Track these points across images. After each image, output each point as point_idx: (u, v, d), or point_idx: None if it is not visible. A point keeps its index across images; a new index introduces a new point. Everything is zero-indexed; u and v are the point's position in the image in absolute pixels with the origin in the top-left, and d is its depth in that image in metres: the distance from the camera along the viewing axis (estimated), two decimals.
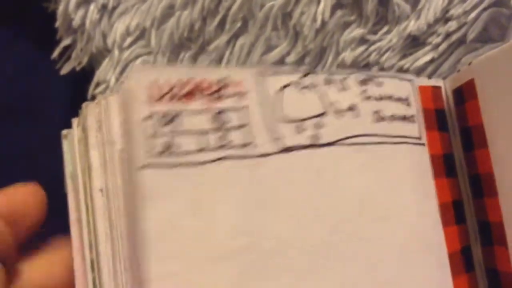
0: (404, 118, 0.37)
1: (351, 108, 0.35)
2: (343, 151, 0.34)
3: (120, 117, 0.31)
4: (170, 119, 0.29)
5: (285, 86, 0.33)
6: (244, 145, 0.31)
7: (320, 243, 0.33)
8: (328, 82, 0.35)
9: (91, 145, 0.31)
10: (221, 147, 0.30)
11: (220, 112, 0.31)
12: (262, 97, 0.32)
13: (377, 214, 0.35)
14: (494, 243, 0.37)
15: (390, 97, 0.37)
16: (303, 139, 0.33)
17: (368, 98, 0.36)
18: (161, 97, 0.29)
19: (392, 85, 0.37)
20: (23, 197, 0.36)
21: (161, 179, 0.29)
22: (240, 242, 0.30)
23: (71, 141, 0.33)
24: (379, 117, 0.36)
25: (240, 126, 0.31)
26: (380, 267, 0.34)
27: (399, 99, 0.37)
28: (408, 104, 0.38)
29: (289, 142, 0.33)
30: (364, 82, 0.36)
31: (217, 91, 0.31)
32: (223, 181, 0.30)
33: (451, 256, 0.37)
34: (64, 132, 0.33)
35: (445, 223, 0.37)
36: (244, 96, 0.32)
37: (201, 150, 0.30)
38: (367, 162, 0.35)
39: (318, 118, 0.34)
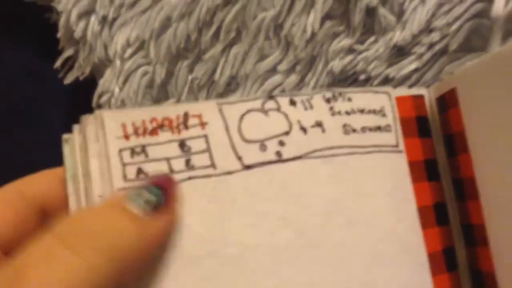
0: (378, 128, 0.39)
1: (317, 124, 0.38)
2: (309, 164, 0.37)
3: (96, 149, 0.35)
4: (139, 151, 0.34)
5: (246, 112, 0.37)
6: (207, 167, 0.35)
7: (285, 248, 0.35)
8: (292, 103, 0.38)
9: (91, 154, 0.34)
10: (187, 170, 0.35)
11: (183, 142, 0.35)
12: (222, 124, 0.36)
13: (345, 220, 0.37)
14: (477, 243, 0.38)
15: (361, 110, 0.39)
16: (267, 156, 0.37)
17: (336, 113, 0.38)
18: (129, 136, 0.34)
19: (363, 99, 0.40)
20: (53, 185, 0.37)
21: None
22: (204, 250, 0.34)
23: (72, 146, 0.35)
24: (349, 130, 0.38)
25: (202, 151, 0.35)
26: (348, 269, 0.36)
27: (373, 111, 0.40)
28: (383, 115, 0.40)
29: (251, 160, 0.36)
30: (330, 99, 0.39)
31: (179, 125, 0.35)
32: (189, 198, 0.34)
33: (432, 256, 0.39)
34: (65, 136, 0.36)
35: (425, 225, 0.39)
36: (204, 126, 0.36)
37: (168, 173, 0.35)
38: (335, 172, 0.37)
39: (283, 136, 0.37)
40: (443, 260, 0.39)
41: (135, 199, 0.31)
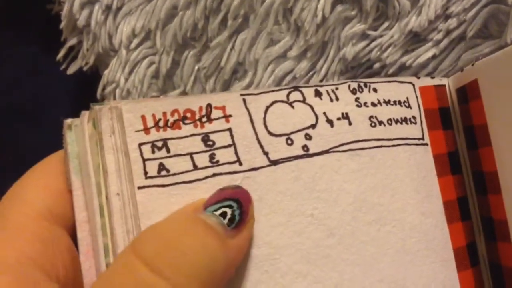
0: (404, 120, 0.38)
1: (343, 117, 0.36)
2: (337, 159, 0.36)
3: (112, 142, 0.32)
4: (161, 145, 0.32)
5: (271, 104, 0.35)
6: (232, 163, 0.33)
7: (315, 247, 0.34)
8: (318, 93, 0.36)
9: (107, 149, 0.32)
10: (210, 166, 0.33)
11: (206, 135, 0.33)
12: (247, 117, 0.34)
13: (374, 216, 0.36)
14: (497, 239, 0.38)
15: (387, 102, 0.38)
16: (294, 151, 0.35)
17: (362, 105, 0.37)
18: (149, 129, 0.32)
19: (389, 90, 0.39)
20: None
21: (157, 198, 0.31)
22: None
23: (79, 135, 0.33)
24: (376, 122, 0.37)
25: (226, 146, 0.33)
26: (377, 268, 0.35)
27: (398, 102, 0.38)
28: (409, 106, 0.39)
29: (278, 155, 0.34)
30: (356, 90, 0.37)
31: (202, 118, 0.33)
32: None
33: (457, 252, 0.38)
34: (68, 121, 0.33)
35: (450, 220, 0.38)
36: (228, 119, 0.34)
37: (192, 169, 0.32)
38: (363, 166, 0.36)
39: (309, 129, 0.35)
40: (467, 256, 0.39)
41: (214, 214, 0.30)
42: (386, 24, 0.46)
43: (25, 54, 0.56)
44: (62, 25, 0.49)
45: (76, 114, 0.33)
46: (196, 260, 0.28)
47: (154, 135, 0.32)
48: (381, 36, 0.47)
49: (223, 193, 0.31)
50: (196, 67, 0.48)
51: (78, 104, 0.34)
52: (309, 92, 0.36)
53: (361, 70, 0.48)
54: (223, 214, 0.30)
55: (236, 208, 0.31)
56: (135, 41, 0.48)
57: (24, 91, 0.56)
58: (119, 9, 0.48)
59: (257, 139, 0.34)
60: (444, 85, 0.41)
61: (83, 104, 0.33)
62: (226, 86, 0.49)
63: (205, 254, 0.28)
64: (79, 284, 0.32)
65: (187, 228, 0.29)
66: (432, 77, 0.41)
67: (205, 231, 0.29)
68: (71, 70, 0.51)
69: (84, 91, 0.50)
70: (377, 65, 0.47)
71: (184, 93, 0.49)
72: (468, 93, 0.38)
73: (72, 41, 0.50)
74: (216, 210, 0.30)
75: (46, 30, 0.52)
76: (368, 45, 0.47)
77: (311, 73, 0.48)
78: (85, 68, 0.51)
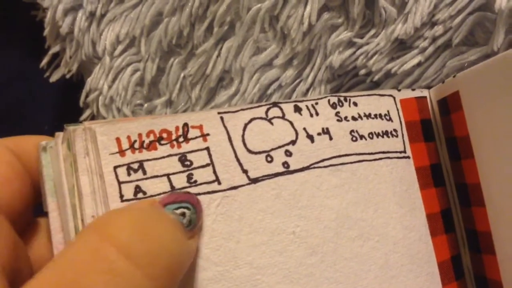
0: (385, 134, 0.38)
1: (324, 132, 0.36)
2: (318, 174, 0.35)
3: (86, 164, 0.31)
4: (137, 167, 0.32)
5: (250, 121, 0.35)
6: (210, 182, 0.33)
7: (298, 266, 0.34)
8: (297, 109, 0.36)
9: (81, 171, 0.31)
10: (188, 186, 0.32)
11: (183, 155, 0.33)
12: (225, 135, 0.34)
13: (357, 232, 0.35)
14: (482, 251, 0.37)
15: (367, 115, 0.38)
16: (274, 168, 0.34)
17: (342, 119, 0.37)
18: (124, 152, 0.31)
19: (369, 103, 0.38)
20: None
21: None
22: (212, 273, 0.32)
23: (54, 156, 0.32)
24: (357, 136, 0.37)
25: (204, 166, 0.33)
26: (361, 284, 0.35)
27: (379, 116, 0.38)
28: (390, 119, 0.38)
29: (258, 173, 0.34)
30: (336, 104, 0.37)
31: (179, 137, 0.33)
32: None
33: (441, 265, 0.38)
34: (43, 143, 0.32)
35: (434, 233, 0.38)
36: (205, 138, 0.33)
37: (169, 191, 0.32)
38: (345, 182, 0.36)
39: (289, 146, 0.35)
40: (451, 269, 0.39)
41: (175, 212, 0.29)
42: (372, 32, 0.46)
43: (11, 59, 0.56)
44: (45, 32, 0.49)
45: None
46: (170, 252, 0.27)
47: (130, 157, 0.32)
48: (367, 43, 0.46)
49: (178, 195, 0.31)
50: (182, 75, 0.48)
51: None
52: (288, 108, 0.36)
53: (347, 78, 0.48)
54: (182, 215, 0.30)
55: (193, 211, 0.30)
56: (120, 48, 0.48)
57: (9, 96, 0.55)
58: (103, 15, 0.47)
59: (236, 157, 0.34)
60: (425, 97, 0.40)
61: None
62: (212, 94, 0.49)
63: (176, 246, 0.28)
64: (21, 273, 0.31)
65: (157, 219, 0.28)
66: (413, 89, 0.41)
67: (173, 225, 0.29)
68: (54, 78, 0.51)
69: (71, 97, 0.50)
70: (362, 72, 0.47)
71: (169, 101, 0.49)
72: (450, 105, 0.38)
73: (55, 48, 0.50)
74: (176, 209, 0.30)
75: (32, 35, 0.52)
76: (354, 52, 0.47)
77: (297, 81, 0.48)
78: (68, 76, 0.50)
